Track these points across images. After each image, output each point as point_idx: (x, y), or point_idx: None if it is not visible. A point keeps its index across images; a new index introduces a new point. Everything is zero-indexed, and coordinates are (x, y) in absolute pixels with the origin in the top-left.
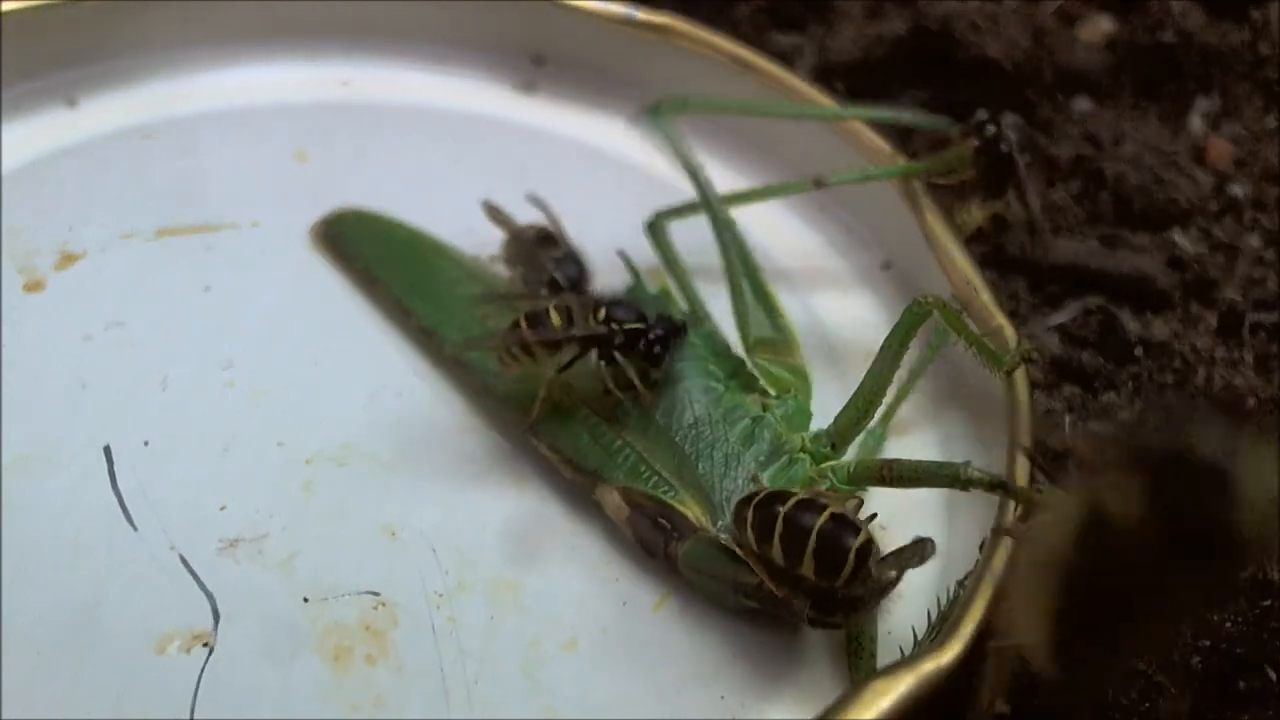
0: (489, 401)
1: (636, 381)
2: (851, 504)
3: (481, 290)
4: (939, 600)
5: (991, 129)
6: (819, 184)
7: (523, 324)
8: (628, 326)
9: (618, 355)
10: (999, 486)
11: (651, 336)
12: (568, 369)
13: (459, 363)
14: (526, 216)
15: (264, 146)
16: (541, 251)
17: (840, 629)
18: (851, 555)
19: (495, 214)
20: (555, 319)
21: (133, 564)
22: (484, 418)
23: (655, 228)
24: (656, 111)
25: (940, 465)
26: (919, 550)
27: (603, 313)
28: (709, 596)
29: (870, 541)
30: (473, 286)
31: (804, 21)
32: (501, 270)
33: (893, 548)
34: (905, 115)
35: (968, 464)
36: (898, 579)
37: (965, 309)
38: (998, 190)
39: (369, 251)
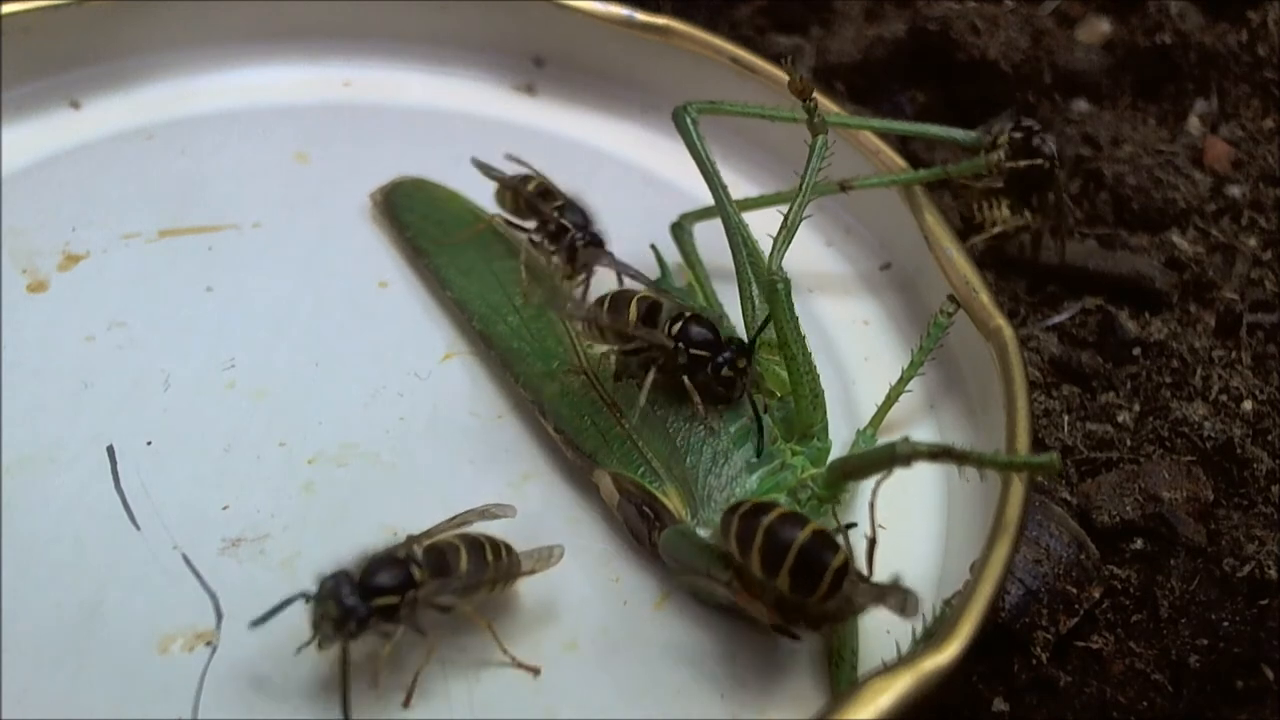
0: (506, 379)
1: (694, 397)
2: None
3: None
4: (924, 617)
5: (1037, 140)
6: (845, 187)
7: (604, 304)
8: (693, 350)
9: (682, 373)
10: (941, 454)
11: (718, 361)
12: (640, 357)
13: (485, 338)
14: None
15: (265, 147)
16: (543, 202)
17: (797, 640)
18: (829, 574)
19: (486, 169)
20: (633, 312)
21: (135, 563)
22: (485, 417)
23: (679, 228)
24: (684, 112)
25: (881, 449)
26: (902, 600)
27: (677, 326)
28: (687, 587)
29: (848, 562)
30: (512, 263)
31: (804, 23)
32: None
33: (891, 546)
34: (933, 129)
35: (905, 439)
36: (864, 607)
37: (965, 309)
38: (1028, 197)
39: (419, 222)
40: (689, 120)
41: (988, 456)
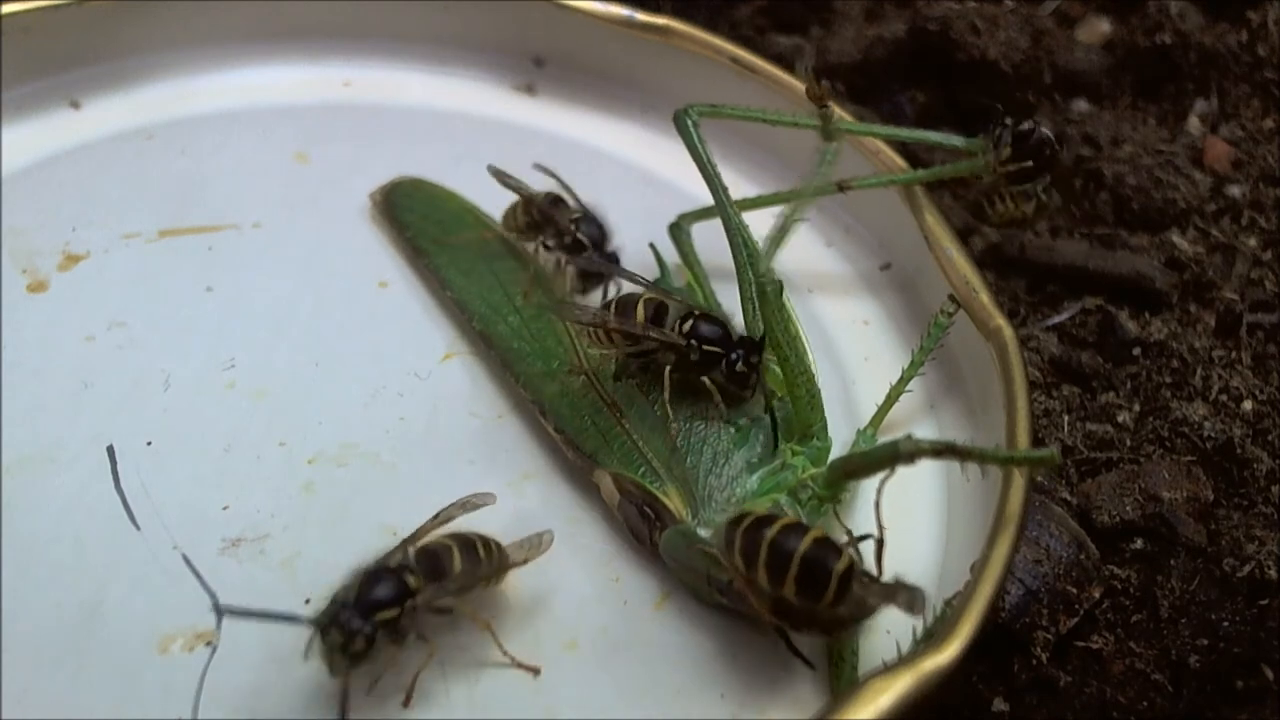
0: (506, 379)
1: (715, 397)
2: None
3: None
4: (924, 617)
5: (1033, 130)
6: (843, 187)
7: (611, 309)
8: (706, 346)
9: (694, 369)
10: (945, 451)
11: (732, 358)
12: (642, 360)
13: (485, 338)
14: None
15: (265, 147)
16: (558, 213)
17: (811, 668)
18: (834, 579)
19: (504, 179)
20: (640, 314)
21: (135, 563)
22: (485, 417)
23: (677, 229)
24: (685, 114)
25: (884, 447)
26: (910, 598)
27: (688, 325)
28: (687, 587)
29: (852, 565)
30: (512, 263)
31: (804, 23)
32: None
33: (891, 547)
34: (934, 136)
35: (908, 437)
36: (876, 608)
37: (965, 309)
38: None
39: (418, 222)
40: (690, 123)
41: (989, 452)
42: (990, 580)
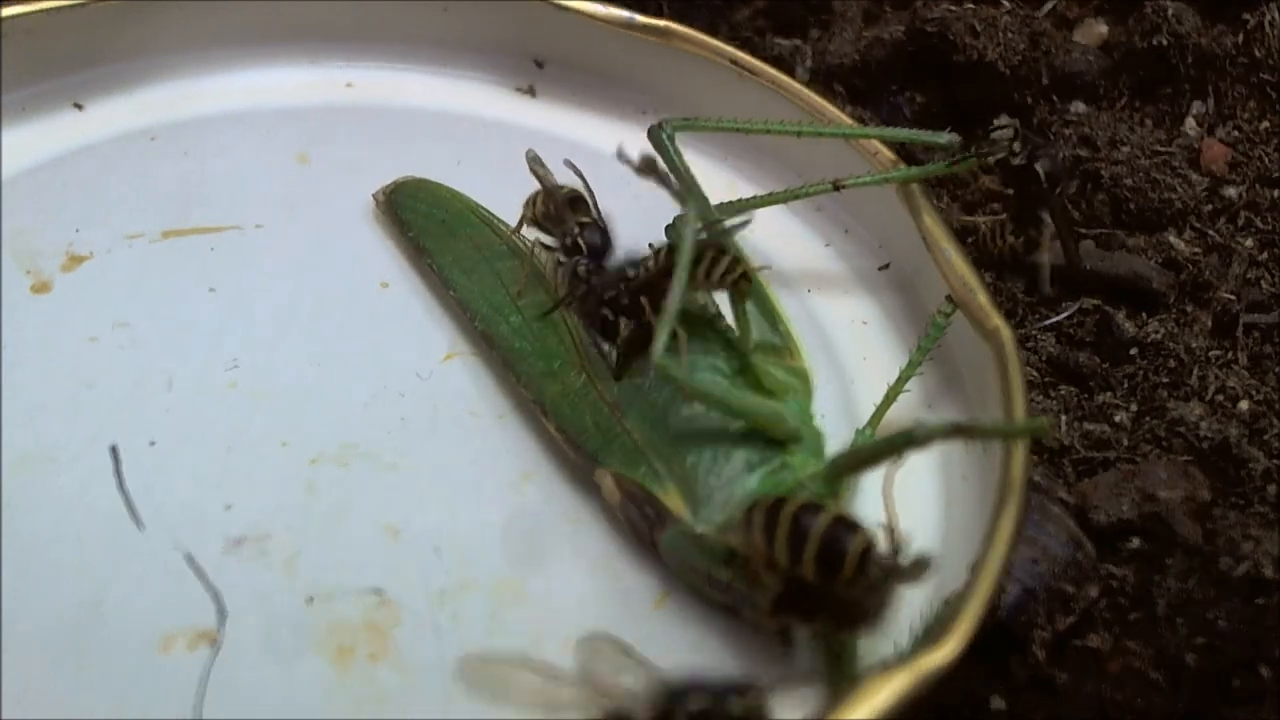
0: (508, 379)
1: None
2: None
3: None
4: (921, 614)
5: (1016, 148)
6: (838, 187)
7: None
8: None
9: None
10: (956, 432)
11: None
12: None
13: (487, 338)
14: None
15: (268, 149)
16: (570, 214)
17: (791, 646)
18: (853, 557)
19: (537, 166)
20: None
21: (137, 563)
22: (486, 416)
23: (673, 231)
24: (659, 129)
25: (894, 436)
26: (917, 568)
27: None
28: (688, 587)
29: (871, 544)
30: (514, 263)
31: (803, 25)
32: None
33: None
34: (908, 132)
35: (920, 424)
36: (895, 587)
37: (963, 309)
38: (1030, 218)
39: (421, 222)
40: (665, 137)
41: (989, 426)
42: (990, 570)
